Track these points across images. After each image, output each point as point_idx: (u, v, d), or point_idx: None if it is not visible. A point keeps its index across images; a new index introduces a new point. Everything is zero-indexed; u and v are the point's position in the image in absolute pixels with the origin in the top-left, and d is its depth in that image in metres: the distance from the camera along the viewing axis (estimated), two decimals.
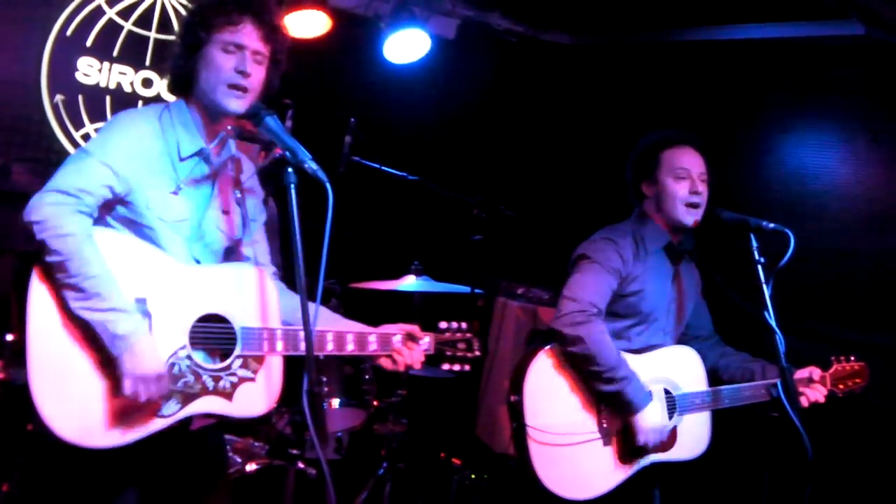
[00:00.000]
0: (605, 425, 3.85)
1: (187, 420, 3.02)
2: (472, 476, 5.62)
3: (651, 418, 3.80)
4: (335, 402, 4.69)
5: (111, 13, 5.71)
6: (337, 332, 3.27)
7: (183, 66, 3.13)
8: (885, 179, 5.60)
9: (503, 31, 7.04)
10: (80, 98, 5.65)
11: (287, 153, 2.93)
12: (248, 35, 3.10)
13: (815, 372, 4.08)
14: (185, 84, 3.16)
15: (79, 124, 5.64)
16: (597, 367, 3.73)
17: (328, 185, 2.87)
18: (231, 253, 3.31)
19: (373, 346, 3.36)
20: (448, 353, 3.58)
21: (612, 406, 3.83)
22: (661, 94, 6.64)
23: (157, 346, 2.89)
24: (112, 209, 3.01)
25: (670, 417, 3.94)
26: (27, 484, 4.00)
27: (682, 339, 4.20)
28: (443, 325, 3.61)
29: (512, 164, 7.15)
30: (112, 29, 5.74)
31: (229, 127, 3.19)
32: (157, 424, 2.93)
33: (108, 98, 5.75)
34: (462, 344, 3.62)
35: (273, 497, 4.44)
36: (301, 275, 2.86)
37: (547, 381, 3.82)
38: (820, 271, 5.66)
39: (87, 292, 2.79)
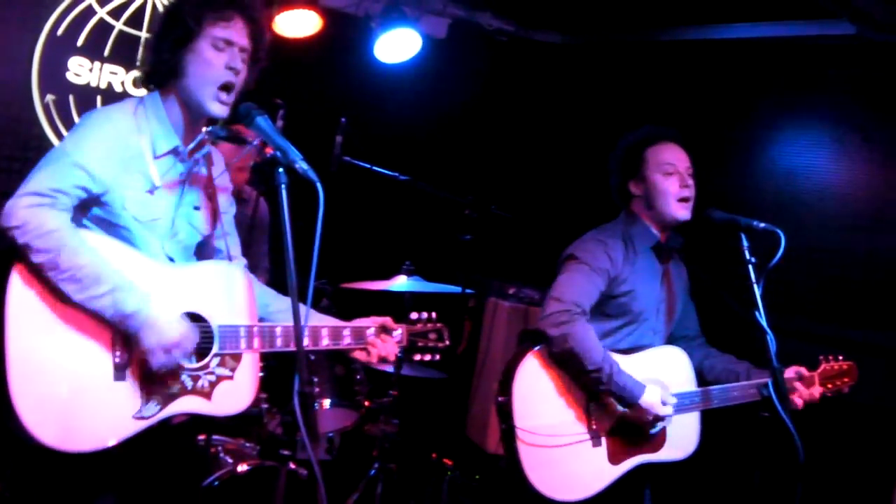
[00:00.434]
0: (594, 426, 3.85)
1: (166, 420, 3.00)
2: (464, 476, 5.62)
3: (653, 397, 3.80)
4: (326, 403, 4.68)
5: (102, 13, 5.68)
6: (312, 326, 3.28)
7: (168, 59, 3.06)
8: (876, 179, 5.61)
9: (494, 31, 7.04)
10: (71, 98, 5.62)
11: (278, 153, 2.93)
12: (239, 32, 3.08)
13: (803, 371, 4.09)
14: (163, 78, 3.10)
15: (70, 124, 5.61)
16: (583, 365, 3.74)
17: (319, 185, 2.87)
18: (203, 247, 3.30)
19: (347, 339, 3.38)
20: (420, 344, 3.63)
21: (613, 400, 3.83)
22: (653, 93, 6.64)
23: (166, 314, 2.89)
24: (88, 210, 2.98)
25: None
26: (19, 484, 3.98)
27: (668, 339, 4.21)
28: (413, 315, 3.65)
29: (503, 163, 7.14)
30: (103, 28, 5.71)
31: (208, 129, 3.16)
32: (137, 426, 2.91)
33: (98, 98, 5.72)
34: (433, 334, 3.66)
35: (264, 498, 4.43)
36: (292, 275, 2.86)
37: (536, 382, 3.82)
38: (811, 271, 5.66)
39: (84, 281, 2.78)
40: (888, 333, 5.32)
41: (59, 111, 5.59)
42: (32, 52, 5.48)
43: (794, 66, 5.96)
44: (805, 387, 4.04)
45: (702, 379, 4.14)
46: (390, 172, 5.02)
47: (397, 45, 6.05)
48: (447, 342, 3.68)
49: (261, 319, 3.25)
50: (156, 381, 2.93)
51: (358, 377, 4.84)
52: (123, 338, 2.88)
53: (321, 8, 5.78)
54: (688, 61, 6.51)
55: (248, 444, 4.59)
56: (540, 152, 7.24)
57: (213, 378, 3.05)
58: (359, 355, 3.45)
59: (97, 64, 5.70)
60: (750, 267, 3.75)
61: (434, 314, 3.69)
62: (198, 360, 3.03)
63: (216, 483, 4.10)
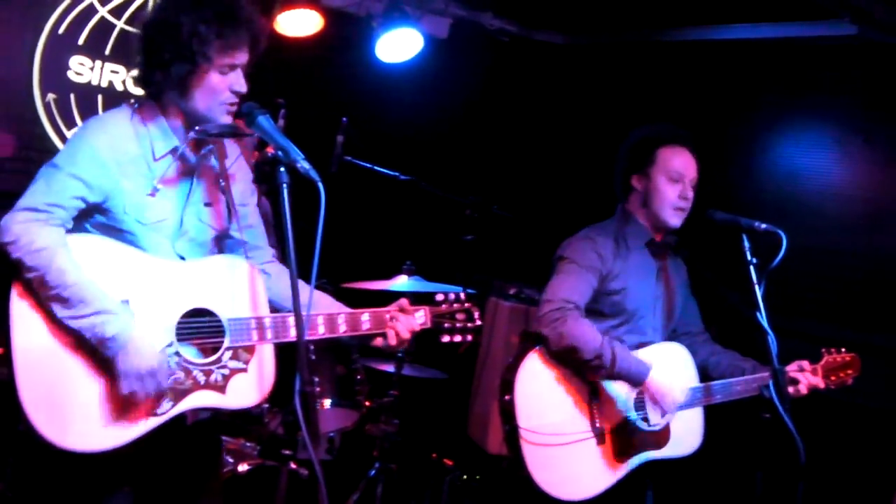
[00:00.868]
0: (598, 424, 3.84)
1: (182, 416, 3.01)
2: (464, 476, 5.62)
3: (664, 377, 3.80)
4: (327, 403, 4.69)
5: (103, 11, 5.68)
6: (328, 314, 3.23)
7: (167, 80, 3.00)
8: (877, 180, 5.61)
9: (496, 31, 7.03)
10: (72, 97, 5.62)
11: (279, 152, 2.93)
12: (242, 52, 3.05)
13: (804, 364, 4.08)
14: (162, 93, 3.06)
15: (71, 123, 5.61)
16: (582, 357, 3.73)
17: (320, 185, 2.86)
18: (221, 241, 3.28)
19: (366, 325, 3.29)
20: (447, 326, 3.49)
21: (617, 394, 3.83)
22: (654, 94, 6.64)
23: (147, 342, 2.88)
24: (90, 217, 2.99)
25: (663, 415, 3.94)
26: (20, 484, 3.99)
27: (671, 336, 4.20)
28: (439, 296, 3.54)
29: (504, 163, 7.14)
30: (104, 27, 5.71)
31: (197, 128, 3.09)
32: (151, 423, 2.92)
33: (99, 97, 5.72)
34: (462, 314, 3.53)
35: (265, 498, 4.44)
36: (294, 274, 2.87)
37: (538, 382, 3.82)
38: (812, 272, 5.66)
39: (70, 301, 2.79)
40: (889, 334, 5.32)
41: (61, 110, 5.59)
42: (33, 51, 5.48)
43: (796, 67, 5.96)
44: (807, 377, 4.03)
45: (707, 375, 4.14)
46: (391, 172, 5.02)
47: (399, 45, 6.05)
48: (478, 322, 3.53)
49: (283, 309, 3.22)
50: (166, 378, 2.92)
51: (358, 377, 4.84)
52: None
53: (322, 7, 5.78)
54: (690, 62, 6.51)
55: (248, 444, 4.60)
56: (541, 153, 7.24)
57: (226, 371, 3.04)
58: (378, 342, 3.35)
59: (98, 63, 5.70)
60: (751, 267, 3.75)
61: (463, 294, 3.56)
62: (211, 355, 3.03)
63: None
